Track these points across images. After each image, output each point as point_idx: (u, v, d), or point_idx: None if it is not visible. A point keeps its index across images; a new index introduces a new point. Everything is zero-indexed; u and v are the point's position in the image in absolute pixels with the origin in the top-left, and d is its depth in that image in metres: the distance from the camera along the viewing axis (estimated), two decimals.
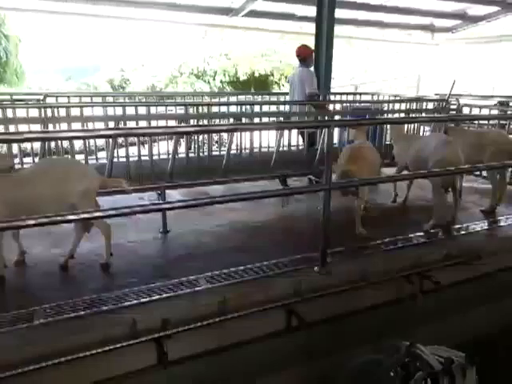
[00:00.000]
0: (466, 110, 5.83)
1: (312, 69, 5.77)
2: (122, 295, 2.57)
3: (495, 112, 5.91)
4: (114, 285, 2.73)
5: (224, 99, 7.08)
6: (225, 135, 5.95)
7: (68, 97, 5.85)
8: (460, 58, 22.95)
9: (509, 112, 5.80)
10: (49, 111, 4.51)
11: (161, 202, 3.64)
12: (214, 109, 5.51)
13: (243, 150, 5.54)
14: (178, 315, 2.38)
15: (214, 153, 5.71)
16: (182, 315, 2.39)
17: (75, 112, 4.67)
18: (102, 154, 5.46)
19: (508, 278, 3.51)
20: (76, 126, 4.63)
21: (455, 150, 3.72)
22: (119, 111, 5.00)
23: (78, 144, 5.46)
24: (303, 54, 5.57)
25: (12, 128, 4.32)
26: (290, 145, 5.67)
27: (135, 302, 2.49)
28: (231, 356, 2.53)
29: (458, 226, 3.86)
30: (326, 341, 2.78)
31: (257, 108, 5.63)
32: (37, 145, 4.77)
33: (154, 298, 2.54)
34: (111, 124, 4.48)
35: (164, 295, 2.57)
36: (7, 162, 2.99)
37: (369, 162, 3.77)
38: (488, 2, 10.25)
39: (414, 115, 5.76)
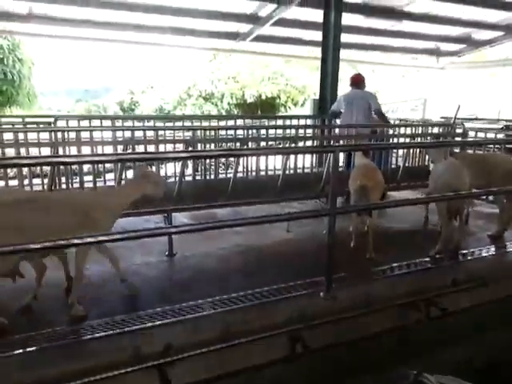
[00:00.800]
0: (471, 134, 5.85)
1: None
2: (125, 320, 2.56)
3: (501, 136, 5.92)
4: (117, 309, 2.73)
5: (231, 122, 7.14)
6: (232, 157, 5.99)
7: (78, 120, 5.96)
8: (465, 82, 23.11)
9: None
10: (59, 134, 4.60)
11: (167, 225, 3.66)
12: (222, 132, 5.58)
13: (249, 173, 5.58)
14: (181, 341, 2.37)
15: (220, 175, 5.77)
16: (185, 341, 2.38)
17: (85, 135, 4.76)
18: (110, 176, 5.53)
19: None
20: (85, 148, 4.71)
21: (458, 175, 3.70)
22: (128, 134, 5.09)
23: (87, 165, 5.54)
24: (357, 81, 6.14)
25: (23, 151, 4.41)
26: (296, 167, 5.70)
27: (138, 326, 2.48)
28: (235, 383, 2.50)
29: (464, 252, 3.83)
30: (331, 368, 2.74)
31: (263, 131, 5.70)
32: (46, 167, 4.84)
33: (157, 323, 2.53)
34: (120, 147, 4.56)
35: (167, 320, 2.56)
36: None
37: (381, 180, 3.84)
38: (492, 26, 10.40)
39: (419, 139, 5.78)
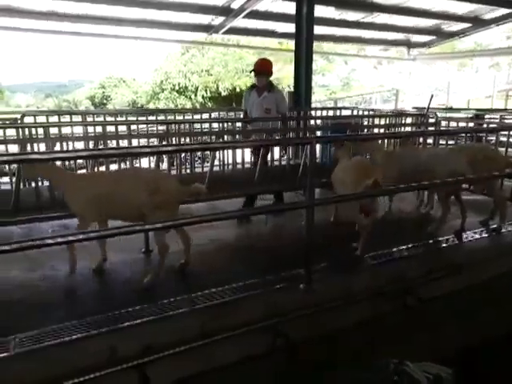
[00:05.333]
0: (443, 124, 5.95)
1: None
2: (100, 320, 2.49)
3: (471, 125, 6.06)
4: (92, 309, 2.65)
5: (206, 115, 7.05)
6: (207, 151, 5.90)
7: (46, 115, 5.76)
8: (435, 72, 23.57)
9: (484, 125, 5.95)
10: (26, 131, 4.43)
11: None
12: (196, 125, 5.50)
13: (226, 166, 5.53)
14: (159, 340, 2.31)
15: (196, 169, 5.70)
16: (163, 339, 2.32)
17: (54, 131, 4.61)
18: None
19: (490, 289, 3.54)
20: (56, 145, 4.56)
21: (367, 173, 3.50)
22: (99, 129, 4.96)
23: (57, 162, 5.37)
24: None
25: None
26: (272, 160, 5.68)
27: (115, 327, 2.41)
28: (216, 380, 2.47)
29: (440, 239, 3.90)
30: (313, 360, 2.74)
31: (239, 124, 5.63)
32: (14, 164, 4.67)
33: (134, 322, 2.46)
34: (91, 143, 4.43)
35: (145, 319, 2.49)
36: None
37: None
38: (461, 18, 10.60)
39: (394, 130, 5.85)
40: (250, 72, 5.16)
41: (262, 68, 4.99)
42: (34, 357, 2.18)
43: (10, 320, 2.52)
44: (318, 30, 8.97)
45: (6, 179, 4.89)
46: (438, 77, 22.41)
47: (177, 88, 21.68)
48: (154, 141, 4.76)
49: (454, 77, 22.31)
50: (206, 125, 5.64)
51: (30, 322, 2.48)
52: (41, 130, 4.51)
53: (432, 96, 5.78)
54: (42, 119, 5.48)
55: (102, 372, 2.12)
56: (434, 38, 12.34)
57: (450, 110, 10.12)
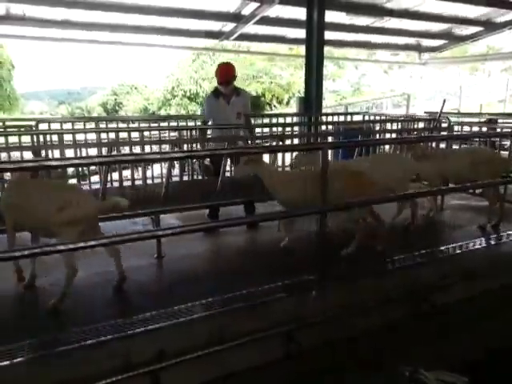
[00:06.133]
0: (457, 129, 5.90)
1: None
2: (114, 326, 2.50)
3: (485, 129, 5.99)
4: (106, 315, 2.66)
5: None
6: None
7: (60, 123, 5.85)
8: (447, 77, 23.38)
9: (498, 130, 5.88)
10: (41, 137, 4.49)
11: (155, 228, 3.60)
12: (209, 132, 5.52)
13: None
14: (173, 345, 2.32)
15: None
16: (177, 345, 2.33)
17: (68, 138, 4.67)
18: (95, 179, 5.43)
19: (504, 296, 3.48)
20: (69, 151, 4.62)
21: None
22: (113, 135, 5.01)
23: (71, 168, 5.44)
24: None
25: (4, 155, 4.30)
26: (283, 166, 5.67)
27: (129, 332, 2.43)
28: None
29: (454, 245, 3.85)
30: (326, 367, 2.72)
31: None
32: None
33: (148, 327, 2.47)
34: (104, 149, 4.48)
35: (159, 325, 2.50)
36: None
37: None
38: (473, 22, 10.52)
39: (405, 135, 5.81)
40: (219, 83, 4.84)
41: (228, 77, 4.75)
42: (47, 362, 2.20)
43: (23, 325, 2.55)
44: (329, 35, 8.98)
45: None
46: (450, 81, 22.25)
47: (188, 94, 21.86)
48: (166, 147, 4.80)
49: (466, 81, 22.13)
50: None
51: (43, 327, 2.51)
52: (55, 137, 4.58)
53: (444, 101, 5.74)
54: (56, 126, 5.56)
55: (115, 378, 2.13)
56: (446, 42, 12.25)
57: (463, 114, 10.02)
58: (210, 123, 4.99)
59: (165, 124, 6.82)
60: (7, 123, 5.76)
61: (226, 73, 4.80)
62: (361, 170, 3.61)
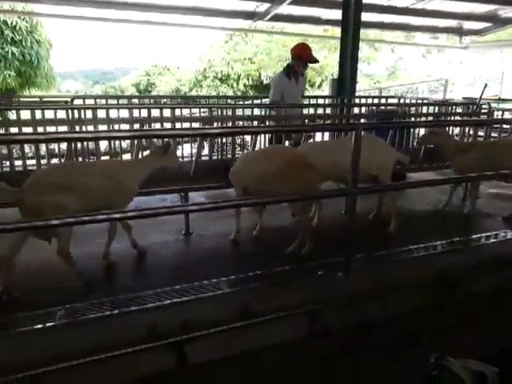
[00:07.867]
0: (497, 115, 5.65)
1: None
2: (142, 297, 2.55)
3: None
4: (135, 286, 2.72)
5: (248, 102, 7.04)
6: (248, 137, 5.90)
7: (94, 99, 5.95)
8: (489, 62, 22.36)
9: None
10: (76, 113, 4.58)
11: (184, 204, 3.63)
12: (238, 111, 5.50)
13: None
14: (198, 318, 2.34)
15: (237, 155, 5.70)
16: (202, 319, 2.35)
17: (101, 114, 4.73)
18: (127, 156, 5.52)
19: None
20: (102, 127, 4.69)
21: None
22: (144, 113, 5.04)
23: (104, 146, 5.54)
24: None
25: (40, 129, 4.41)
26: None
27: (156, 304, 2.47)
28: (251, 362, 2.48)
29: (488, 234, 3.72)
30: (350, 350, 2.70)
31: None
32: (63, 146, 4.86)
33: (174, 300, 2.51)
34: (136, 126, 4.53)
35: (185, 298, 2.54)
36: None
37: None
38: None
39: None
40: (307, 62, 5.00)
41: (312, 56, 4.98)
42: (78, 328, 2.27)
43: (56, 293, 2.64)
44: (365, 16, 8.69)
45: (55, 160, 5.08)
46: (491, 67, 21.25)
47: (219, 76, 21.77)
48: (197, 125, 4.81)
49: (509, 67, 21.07)
50: (248, 110, 5.61)
51: (75, 295, 2.60)
52: (89, 113, 4.65)
53: (486, 85, 5.46)
54: (90, 102, 5.66)
55: (143, 346, 2.17)
56: (490, 24, 11.64)
57: (504, 100, 9.56)
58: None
59: (196, 103, 6.82)
60: (44, 99, 5.90)
61: (309, 52, 5.01)
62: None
